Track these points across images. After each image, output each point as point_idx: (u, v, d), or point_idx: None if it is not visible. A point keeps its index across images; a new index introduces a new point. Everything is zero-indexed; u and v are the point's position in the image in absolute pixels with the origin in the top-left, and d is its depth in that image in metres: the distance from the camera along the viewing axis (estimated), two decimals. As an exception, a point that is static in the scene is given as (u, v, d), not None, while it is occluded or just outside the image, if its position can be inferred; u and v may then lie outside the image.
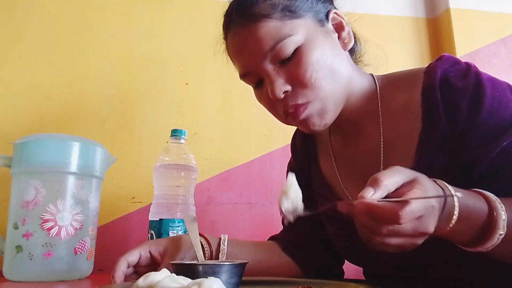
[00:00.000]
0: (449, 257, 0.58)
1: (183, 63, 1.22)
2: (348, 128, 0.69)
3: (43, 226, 0.76)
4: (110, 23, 1.20)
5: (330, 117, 0.62)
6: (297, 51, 0.58)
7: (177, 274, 0.43)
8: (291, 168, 0.86)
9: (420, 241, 0.44)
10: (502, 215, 0.47)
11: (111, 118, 1.14)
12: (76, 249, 0.79)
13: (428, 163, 0.58)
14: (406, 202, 0.41)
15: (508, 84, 0.59)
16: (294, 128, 0.88)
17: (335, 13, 0.64)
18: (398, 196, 0.43)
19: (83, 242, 0.80)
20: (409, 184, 0.44)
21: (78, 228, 0.79)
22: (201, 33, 1.25)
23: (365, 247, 0.66)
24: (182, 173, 0.91)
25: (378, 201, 0.42)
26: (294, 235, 0.79)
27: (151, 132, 1.15)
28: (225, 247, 0.69)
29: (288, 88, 0.59)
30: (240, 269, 0.50)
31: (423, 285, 0.61)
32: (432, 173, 0.57)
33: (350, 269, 0.80)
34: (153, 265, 0.65)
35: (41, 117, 1.10)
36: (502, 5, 1.42)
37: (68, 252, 0.77)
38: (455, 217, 0.46)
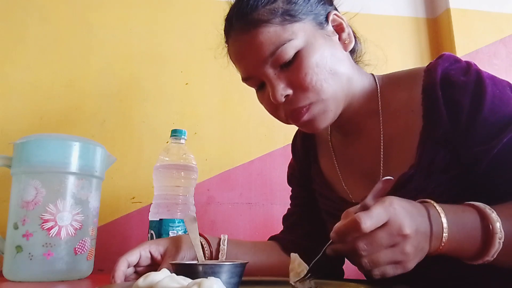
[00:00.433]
0: (448, 257, 0.59)
1: (183, 63, 1.22)
2: (349, 127, 0.70)
3: (43, 226, 0.76)
4: (110, 23, 1.20)
5: (331, 117, 0.62)
6: (297, 55, 0.59)
7: (177, 274, 0.43)
8: (291, 169, 0.86)
9: (407, 247, 0.44)
10: (495, 218, 0.48)
11: (111, 118, 1.14)
12: (76, 249, 0.79)
13: (429, 160, 0.59)
14: (365, 211, 0.44)
15: (507, 82, 0.60)
16: (294, 128, 0.88)
17: (335, 14, 0.64)
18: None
19: (83, 242, 0.80)
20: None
21: (78, 228, 0.79)
22: (201, 33, 1.25)
23: None
24: (182, 173, 0.91)
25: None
26: (294, 235, 0.79)
27: (151, 132, 1.15)
28: (225, 247, 0.69)
29: (289, 92, 0.59)
30: (240, 269, 0.50)
31: (423, 284, 0.61)
32: (433, 170, 0.58)
33: (350, 269, 0.80)
34: (153, 265, 0.65)
35: (41, 117, 1.10)
36: (502, 5, 1.42)
37: (68, 252, 0.77)
38: (445, 233, 0.47)
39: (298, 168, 0.83)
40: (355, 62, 0.70)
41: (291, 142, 0.88)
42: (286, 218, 0.84)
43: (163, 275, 0.42)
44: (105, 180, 0.90)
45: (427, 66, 0.63)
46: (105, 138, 1.09)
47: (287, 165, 0.89)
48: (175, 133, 0.94)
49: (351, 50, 0.67)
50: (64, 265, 0.76)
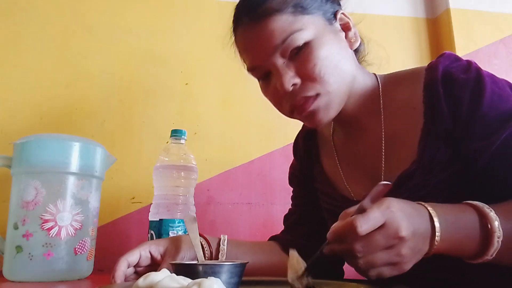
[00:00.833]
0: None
1: (183, 63, 1.22)
2: (351, 125, 0.70)
3: (43, 226, 0.76)
4: (110, 23, 1.20)
5: (333, 112, 0.63)
6: (307, 46, 0.60)
7: (177, 274, 0.43)
8: (293, 170, 0.86)
9: (403, 249, 0.44)
10: (494, 217, 0.48)
11: (111, 118, 1.14)
12: (76, 249, 0.79)
13: (430, 156, 0.59)
14: (362, 213, 0.44)
15: (506, 81, 0.61)
16: (294, 129, 0.88)
17: (342, 13, 0.66)
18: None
19: (83, 242, 0.80)
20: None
21: (78, 228, 0.79)
22: (201, 33, 1.25)
23: None
24: (182, 173, 0.91)
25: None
26: (294, 235, 0.79)
27: (151, 132, 1.15)
28: (225, 247, 0.69)
29: (297, 81, 0.60)
30: (240, 269, 0.50)
31: (422, 284, 0.62)
32: (434, 166, 0.58)
33: (350, 269, 0.80)
34: (153, 265, 0.65)
35: (41, 117, 1.10)
36: (502, 5, 1.42)
37: (68, 252, 0.77)
38: (437, 233, 0.47)
39: (300, 168, 0.83)
40: (359, 62, 0.71)
41: (291, 142, 0.89)
42: (287, 218, 0.84)
43: (163, 275, 0.42)
44: (105, 180, 0.90)
45: (429, 64, 0.64)
46: (105, 138, 1.09)
47: (287, 165, 0.89)
48: (175, 133, 0.94)
49: (355, 49, 0.68)
50: (64, 265, 0.76)
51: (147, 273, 0.42)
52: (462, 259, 0.52)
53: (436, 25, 1.42)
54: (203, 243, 0.68)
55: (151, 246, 0.65)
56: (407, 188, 0.60)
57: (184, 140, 0.94)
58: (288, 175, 0.88)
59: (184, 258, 0.63)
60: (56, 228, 0.77)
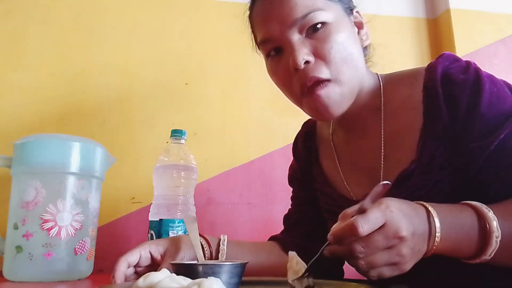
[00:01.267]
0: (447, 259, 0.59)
1: (183, 63, 1.22)
2: (351, 125, 0.70)
3: (43, 227, 0.76)
4: (110, 23, 1.20)
5: (344, 107, 0.62)
6: (326, 26, 0.60)
7: (177, 274, 0.43)
8: (292, 171, 0.86)
9: (404, 249, 0.45)
10: (492, 217, 0.49)
11: (111, 118, 1.14)
12: (76, 249, 0.79)
13: (429, 156, 0.59)
14: (362, 214, 0.44)
15: (505, 81, 0.61)
16: (294, 128, 0.88)
17: (357, 11, 0.67)
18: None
19: (83, 242, 0.80)
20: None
21: (78, 228, 0.79)
22: (201, 33, 1.25)
23: None
24: (182, 173, 0.91)
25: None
26: (294, 235, 0.79)
27: (151, 132, 1.15)
28: (225, 247, 0.69)
29: (311, 59, 0.59)
30: (240, 269, 0.50)
31: (422, 284, 0.62)
32: (433, 166, 0.58)
33: (350, 269, 0.80)
34: (153, 265, 0.65)
35: (41, 117, 1.10)
36: (502, 5, 1.42)
37: (68, 253, 0.77)
38: (437, 233, 0.47)
39: (300, 169, 0.83)
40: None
41: (291, 142, 0.88)
42: (286, 218, 0.85)
43: (163, 275, 0.42)
44: (105, 181, 0.90)
45: (428, 65, 0.64)
46: (105, 138, 1.09)
47: (287, 165, 0.89)
48: (175, 133, 0.94)
49: (363, 49, 0.69)
50: (64, 266, 0.77)
51: (147, 273, 0.42)
52: (460, 259, 0.52)
53: (437, 25, 1.42)
54: (203, 243, 0.67)
55: (151, 246, 0.65)
56: (406, 187, 0.60)
57: (184, 140, 0.94)
58: (287, 176, 0.88)
59: (184, 258, 0.63)
60: (56, 228, 0.77)
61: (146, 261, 0.64)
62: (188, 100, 1.20)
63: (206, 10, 1.26)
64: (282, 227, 0.85)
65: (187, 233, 0.68)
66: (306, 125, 0.86)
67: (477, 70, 0.60)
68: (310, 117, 0.85)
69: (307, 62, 0.59)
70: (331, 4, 0.61)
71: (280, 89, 0.66)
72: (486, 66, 1.31)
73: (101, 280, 0.80)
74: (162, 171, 0.91)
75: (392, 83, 0.68)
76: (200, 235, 0.66)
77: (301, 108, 0.65)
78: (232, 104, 1.22)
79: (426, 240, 0.47)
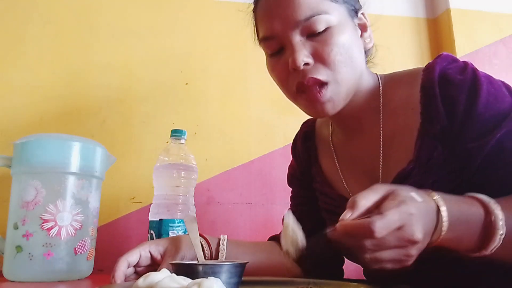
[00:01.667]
0: (447, 251, 0.59)
1: (183, 63, 1.22)
2: (350, 125, 0.70)
3: (43, 226, 0.76)
4: (110, 23, 1.20)
5: (339, 106, 0.62)
6: (328, 30, 0.60)
7: (177, 274, 0.43)
8: (292, 170, 0.86)
9: (413, 251, 0.44)
10: (499, 215, 0.48)
11: (111, 118, 1.14)
12: (76, 249, 0.79)
13: (427, 156, 0.59)
14: (380, 215, 0.42)
15: (503, 82, 0.61)
16: (294, 128, 0.88)
17: (362, 13, 0.68)
18: (379, 211, 0.43)
19: (83, 242, 0.80)
20: (385, 198, 0.45)
21: (78, 228, 0.79)
22: (201, 33, 1.25)
23: None
24: (182, 173, 0.91)
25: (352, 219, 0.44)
26: (294, 235, 0.79)
27: (151, 132, 1.15)
28: (225, 247, 0.69)
29: (310, 61, 0.60)
30: (240, 269, 0.50)
31: (422, 283, 0.62)
32: (431, 166, 0.59)
33: (350, 269, 0.80)
34: (153, 265, 0.65)
35: (41, 117, 1.10)
36: (502, 5, 1.42)
37: (68, 252, 0.77)
38: (444, 227, 0.47)
39: (299, 168, 0.83)
40: (366, 62, 0.72)
41: (291, 142, 0.88)
42: (286, 218, 0.84)
43: (163, 275, 0.42)
44: (105, 180, 0.90)
45: (426, 65, 0.64)
46: (105, 138, 1.09)
47: (287, 165, 0.89)
48: (175, 133, 0.94)
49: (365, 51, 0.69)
50: (64, 265, 0.77)
51: (147, 273, 0.42)
52: (459, 252, 0.51)
53: (436, 25, 1.42)
54: (203, 243, 0.68)
55: (151, 246, 0.65)
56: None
57: (184, 140, 0.94)
58: (286, 175, 0.88)
59: (184, 258, 0.63)
60: (56, 228, 0.77)
61: (146, 261, 0.64)
62: (188, 100, 1.20)
63: (206, 10, 1.26)
64: (282, 227, 0.85)
65: (187, 233, 0.68)
66: (305, 125, 0.86)
67: (475, 71, 0.60)
68: (309, 117, 0.86)
69: (306, 64, 0.59)
70: (335, 6, 0.62)
71: (277, 85, 0.67)
72: (486, 66, 1.31)
73: (101, 280, 0.80)
74: (162, 171, 0.91)
75: (391, 84, 0.68)
76: (200, 235, 0.66)
77: (296, 104, 0.66)
78: (232, 104, 1.22)
79: (432, 234, 0.47)
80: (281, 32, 0.61)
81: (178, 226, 0.85)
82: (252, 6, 0.69)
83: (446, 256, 0.59)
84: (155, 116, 1.16)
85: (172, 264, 0.52)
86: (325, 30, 0.60)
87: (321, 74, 0.60)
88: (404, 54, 1.37)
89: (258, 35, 0.69)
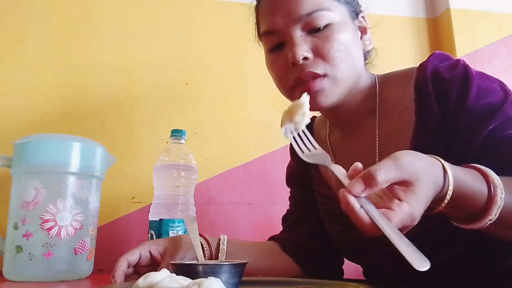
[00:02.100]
0: (446, 250, 0.59)
1: (183, 63, 1.22)
2: (347, 125, 0.71)
3: (43, 226, 0.76)
4: (110, 23, 1.20)
5: (334, 99, 0.63)
6: (329, 26, 0.61)
7: (177, 274, 0.43)
8: (290, 170, 0.86)
9: (414, 223, 0.42)
10: (498, 201, 0.46)
11: (111, 118, 1.14)
12: (76, 249, 0.79)
13: (423, 153, 0.59)
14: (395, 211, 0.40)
15: (496, 79, 0.61)
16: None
17: (363, 16, 0.69)
18: (391, 194, 0.42)
19: (83, 242, 0.80)
20: (405, 185, 0.42)
21: (78, 228, 0.79)
22: (201, 33, 1.25)
23: (364, 243, 0.66)
24: (182, 173, 0.91)
25: (362, 207, 0.41)
26: (294, 235, 0.79)
27: (151, 132, 1.15)
28: (225, 247, 0.69)
29: (310, 55, 0.60)
30: (240, 269, 0.50)
31: (421, 283, 0.62)
32: None
33: (350, 269, 0.80)
34: (153, 265, 0.65)
35: (41, 117, 1.10)
36: (502, 5, 1.42)
37: (68, 252, 0.77)
38: (446, 200, 0.45)
39: (297, 169, 0.83)
40: (365, 64, 0.72)
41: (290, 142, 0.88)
42: (285, 218, 0.85)
43: (163, 275, 0.42)
44: (105, 180, 0.90)
45: (419, 64, 0.65)
46: (105, 138, 1.09)
47: (287, 165, 0.89)
48: (175, 133, 0.94)
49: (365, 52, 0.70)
50: (64, 265, 0.77)
51: (147, 273, 0.42)
52: (459, 222, 0.50)
53: (437, 25, 1.42)
54: (203, 243, 0.68)
55: (151, 246, 0.65)
56: None
57: (184, 140, 0.94)
58: (285, 176, 0.88)
59: (184, 258, 0.63)
60: (56, 228, 0.77)
61: (146, 261, 0.64)
62: (188, 100, 1.20)
63: (206, 10, 1.26)
64: (282, 227, 0.85)
65: (187, 233, 0.68)
66: None
67: (466, 67, 0.61)
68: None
69: (305, 58, 0.60)
70: (337, 5, 0.62)
71: (275, 81, 0.67)
72: (486, 66, 1.31)
73: (101, 280, 0.80)
74: (162, 171, 0.91)
75: (387, 84, 0.69)
76: (200, 235, 0.66)
77: (291, 99, 0.65)
78: (232, 104, 1.22)
79: (433, 198, 0.45)
80: (282, 27, 0.62)
81: (178, 226, 0.86)
82: (255, 3, 0.70)
83: (446, 256, 0.60)
84: (155, 116, 1.16)
85: (172, 264, 0.52)
86: (326, 27, 0.61)
87: (319, 69, 0.60)
88: (404, 54, 1.37)
89: (259, 31, 0.69)
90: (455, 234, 0.58)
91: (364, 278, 0.76)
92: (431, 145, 0.59)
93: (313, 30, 0.61)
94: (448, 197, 0.45)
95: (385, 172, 0.41)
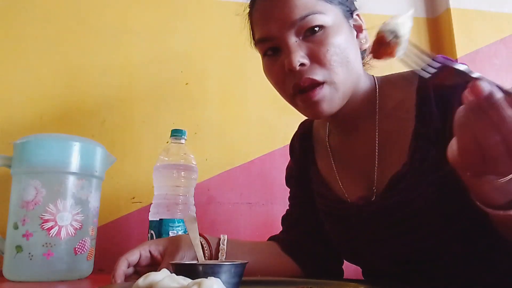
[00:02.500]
0: (445, 251, 0.59)
1: (183, 63, 1.22)
2: (347, 126, 0.71)
3: (43, 226, 0.76)
4: (111, 23, 1.19)
5: (335, 106, 0.62)
6: (323, 30, 0.60)
7: (177, 274, 0.43)
8: (290, 171, 0.86)
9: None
10: None
11: (111, 118, 1.14)
12: (76, 249, 0.79)
13: (421, 157, 0.60)
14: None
15: (498, 85, 0.60)
16: (294, 128, 0.88)
17: (358, 15, 0.67)
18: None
19: (83, 242, 0.80)
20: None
21: (78, 228, 0.79)
22: (201, 33, 1.25)
23: (363, 243, 0.66)
24: (182, 173, 0.91)
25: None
26: (293, 235, 0.79)
27: (151, 132, 1.15)
28: (225, 247, 0.69)
29: (306, 61, 0.60)
30: (240, 269, 0.50)
31: (421, 283, 0.62)
32: (425, 168, 0.59)
33: (350, 269, 0.80)
34: (153, 265, 0.65)
35: (41, 117, 1.10)
36: (502, 5, 1.42)
37: (68, 252, 0.77)
38: None
39: (297, 169, 0.83)
40: (362, 64, 0.71)
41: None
42: (285, 219, 0.85)
43: (163, 275, 0.42)
44: (105, 180, 0.90)
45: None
46: (105, 138, 1.09)
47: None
48: (175, 133, 0.94)
49: (362, 52, 0.69)
50: (64, 265, 0.77)
51: (147, 273, 0.42)
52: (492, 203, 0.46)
53: (437, 25, 1.42)
54: (203, 243, 0.68)
55: (151, 245, 0.65)
56: (398, 190, 0.60)
57: (184, 140, 0.94)
58: (285, 176, 0.88)
59: (184, 258, 0.63)
60: (56, 228, 0.77)
61: (146, 261, 0.64)
62: (188, 100, 1.20)
63: (206, 10, 1.26)
64: (281, 227, 0.85)
65: (187, 232, 0.68)
66: (302, 126, 0.86)
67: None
68: (306, 118, 0.86)
69: (302, 65, 0.59)
70: (331, 7, 0.62)
71: (274, 87, 0.67)
72: (486, 66, 1.31)
73: (101, 280, 0.80)
74: (162, 171, 0.91)
75: (387, 86, 0.69)
76: (200, 234, 0.66)
77: (294, 106, 0.66)
78: (232, 104, 1.22)
79: None
80: (277, 33, 0.61)
81: (178, 226, 0.86)
82: (248, 10, 0.69)
83: (445, 257, 0.60)
84: (155, 116, 1.16)
85: (172, 264, 0.52)
86: (321, 30, 0.60)
87: (317, 75, 0.59)
88: (404, 54, 1.37)
89: (254, 38, 0.68)
90: (453, 237, 0.58)
91: (363, 278, 0.76)
92: (430, 150, 0.59)
93: (307, 34, 0.60)
94: None
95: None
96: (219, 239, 0.70)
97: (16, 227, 0.77)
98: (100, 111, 1.13)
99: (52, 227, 0.76)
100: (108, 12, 1.20)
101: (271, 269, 0.72)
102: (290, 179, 0.86)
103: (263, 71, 0.68)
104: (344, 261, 0.79)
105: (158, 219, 0.86)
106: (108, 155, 0.90)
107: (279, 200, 1.17)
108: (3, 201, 0.99)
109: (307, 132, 0.82)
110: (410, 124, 0.62)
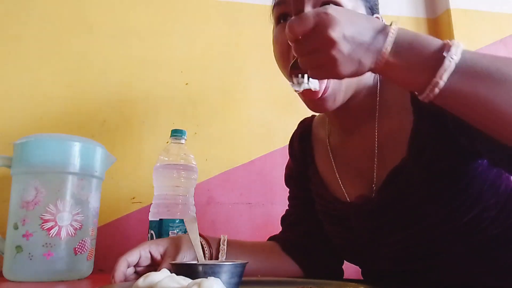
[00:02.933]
0: (444, 250, 0.59)
1: (183, 63, 1.22)
2: (347, 126, 0.71)
3: (43, 226, 0.76)
4: (111, 23, 1.19)
5: (340, 102, 0.62)
6: None
7: (177, 274, 0.43)
8: (289, 170, 0.86)
9: (333, 52, 0.44)
10: (458, 43, 0.44)
11: (111, 118, 1.14)
12: (76, 249, 0.79)
13: (419, 153, 0.60)
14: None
15: None
16: (294, 129, 0.88)
17: (377, 17, 0.67)
18: None
19: (83, 242, 0.80)
20: None
21: (78, 228, 0.79)
22: (201, 33, 1.25)
23: (362, 243, 0.66)
24: (182, 173, 0.91)
25: None
26: (293, 235, 0.79)
27: (151, 132, 1.15)
28: (225, 247, 0.69)
29: None
30: (240, 269, 0.50)
31: (421, 283, 0.62)
32: (424, 163, 0.59)
33: (350, 269, 0.80)
34: (153, 265, 0.65)
35: (41, 117, 1.10)
36: (502, 5, 1.42)
37: (68, 252, 0.77)
38: (387, 48, 0.44)
39: (296, 168, 0.83)
40: None
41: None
42: (284, 219, 0.85)
43: (163, 275, 0.42)
44: (105, 180, 0.90)
45: None
46: (105, 138, 1.09)
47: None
48: (175, 133, 0.94)
49: None
50: (64, 265, 0.77)
51: (147, 273, 0.42)
52: (409, 86, 0.48)
53: (437, 25, 1.42)
54: (203, 243, 0.68)
55: (151, 246, 0.65)
56: (397, 185, 0.61)
57: (184, 140, 0.94)
58: (284, 176, 0.88)
59: (184, 258, 0.63)
60: (56, 228, 0.77)
61: (146, 261, 0.64)
62: (188, 100, 1.20)
63: (206, 10, 1.26)
64: (281, 227, 0.85)
65: (187, 233, 0.68)
66: (301, 125, 0.86)
67: None
68: (306, 117, 0.86)
69: None
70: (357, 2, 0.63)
71: (276, 57, 0.66)
72: (486, 66, 1.31)
73: (101, 280, 0.80)
74: (162, 171, 0.91)
75: (387, 84, 0.68)
76: (200, 235, 0.66)
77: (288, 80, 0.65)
78: (232, 104, 1.22)
79: (371, 52, 0.45)
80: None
81: (178, 226, 0.85)
82: None
83: (444, 256, 0.60)
84: (155, 116, 1.16)
85: (172, 264, 0.52)
86: None
87: None
88: (404, 54, 1.37)
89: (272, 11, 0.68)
90: (452, 234, 0.58)
91: (364, 278, 0.76)
92: (428, 146, 0.59)
93: None
94: (392, 31, 0.45)
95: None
96: (219, 240, 0.70)
97: (16, 227, 0.77)
98: (100, 111, 1.13)
99: (52, 227, 0.76)
100: (108, 12, 1.20)
101: (271, 269, 0.72)
102: (290, 179, 0.86)
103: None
104: (344, 261, 0.79)
105: (158, 219, 0.86)
106: (108, 155, 0.90)
107: (279, 200, 1.17)
108: (3, 201, 0.99)
109: (306, 132, 0.82)
110: (409, 120, 0.62)
